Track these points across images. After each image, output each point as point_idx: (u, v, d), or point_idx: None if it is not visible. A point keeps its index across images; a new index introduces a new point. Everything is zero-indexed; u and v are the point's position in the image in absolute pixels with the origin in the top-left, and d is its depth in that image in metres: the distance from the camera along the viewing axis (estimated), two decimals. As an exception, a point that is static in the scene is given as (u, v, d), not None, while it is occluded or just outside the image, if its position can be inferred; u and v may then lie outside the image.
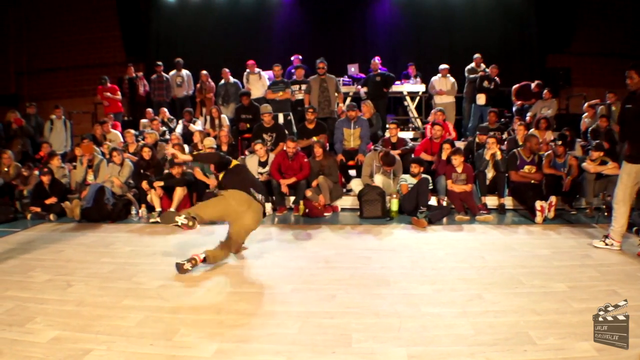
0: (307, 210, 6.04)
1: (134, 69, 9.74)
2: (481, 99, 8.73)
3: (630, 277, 3.47)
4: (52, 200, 6.18)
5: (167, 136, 8.04)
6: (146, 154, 6.51)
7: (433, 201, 6.13)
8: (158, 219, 5.79)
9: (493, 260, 3.98)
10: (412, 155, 6.62)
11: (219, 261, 3.90)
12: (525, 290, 3.25)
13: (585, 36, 10.55)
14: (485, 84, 8.74)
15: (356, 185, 6.25)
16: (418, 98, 9.41)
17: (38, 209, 6.13)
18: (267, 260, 4.12)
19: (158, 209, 6.00)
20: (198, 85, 9.19)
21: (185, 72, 9.54)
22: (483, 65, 9.16)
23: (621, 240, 4.20)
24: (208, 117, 8.26)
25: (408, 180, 6.06)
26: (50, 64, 11.50)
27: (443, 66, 8.98)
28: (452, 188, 5.90)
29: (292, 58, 9.15)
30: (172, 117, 8.83)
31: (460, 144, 7.22)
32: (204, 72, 9.10)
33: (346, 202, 6.57)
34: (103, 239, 4.96)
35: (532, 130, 7.22)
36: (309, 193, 6.08)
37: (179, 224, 3.65)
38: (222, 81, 8.89)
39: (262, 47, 10.62)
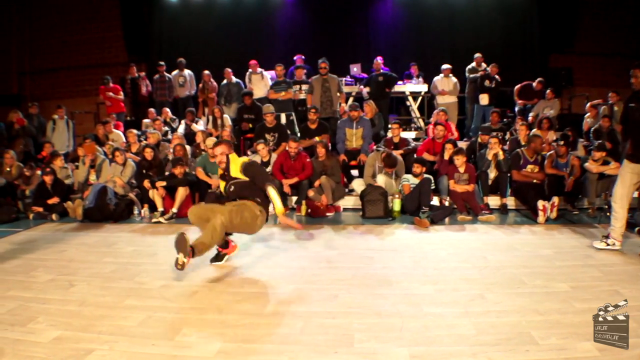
0: (309, 210, 6.05)
1: (137, 69, 9.77)
2: (484, 99, 8.71)
3: (633, 277, 3.46)
4: (54, 200, 6.19)
5: (170, 136, 8.04)
6: (148, 154, 6.51)
7: (435, 201, 6.13)
8: (161, 220, 5.82)
9: (495, 260, 3.98)
10: (415, 156, 6.61)
11: (208, 248, 3.53)
12: (528, 290, 3.24)
13: (587, 36, 10.51)
14: (487, 83, 8.72)
15: (358, 185, 6.25)
16: (420, 98, 9.40)
17: (40, 209, 6.14)
18: (270, 260, 4.12)
19: (160, 209, 6.01)
20: (200, 85, 9.18)
21: (187, 72, 9.55)
22: (484, 65, 9.14)
23: (622, 239, 4.18)
24: (210, 117, 8.27)
25: (410, 181, 6.05)
26: (52, 64, 11.52)
27: (445, 66, 8.96)
28: (454, 188, 5.90)
29: (294, 58, 9.15)
30: (174, 117, 8.85)
31: (462, 144, 7.20)
32: (207, 72, 9.10)
33: (348, 202, 6.57)
34: (105, 239, 4.97)
35: (535, 131, 7.20)
36: (311, 193, 6.08)
37: (177, 263, 3.30)
38: (225, 81, 8.90)
39: (265, 47, 10.62)
